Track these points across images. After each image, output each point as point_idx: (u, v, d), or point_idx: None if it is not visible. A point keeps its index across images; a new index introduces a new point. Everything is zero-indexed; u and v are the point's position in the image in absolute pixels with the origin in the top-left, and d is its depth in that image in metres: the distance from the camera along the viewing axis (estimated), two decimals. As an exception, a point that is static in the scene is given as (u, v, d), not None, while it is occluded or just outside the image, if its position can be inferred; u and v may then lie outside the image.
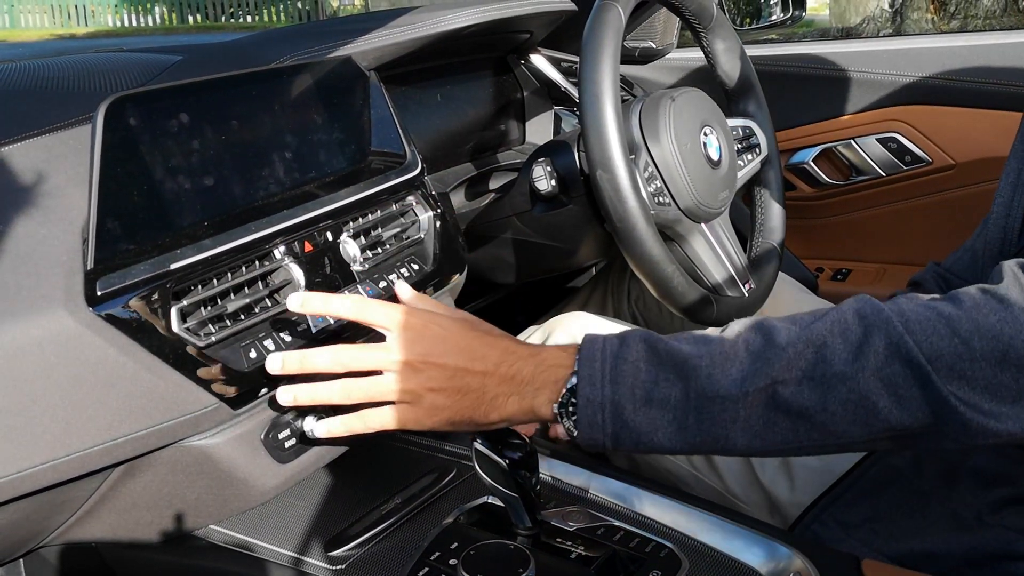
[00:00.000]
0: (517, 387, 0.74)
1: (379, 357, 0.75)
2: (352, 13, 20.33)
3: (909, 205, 1.46)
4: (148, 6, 17.28)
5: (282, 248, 0.83)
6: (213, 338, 0.75)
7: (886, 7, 7.35)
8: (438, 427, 0.75)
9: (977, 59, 1.39)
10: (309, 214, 0.85)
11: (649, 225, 0.98)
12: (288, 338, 0.81)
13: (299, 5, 18.55)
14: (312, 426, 0.83)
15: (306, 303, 0.77)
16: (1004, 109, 1.36)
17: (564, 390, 0.72)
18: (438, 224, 1.03)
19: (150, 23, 17.13)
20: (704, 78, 1.48)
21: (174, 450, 0.75)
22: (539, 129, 1.53)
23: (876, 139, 1.48)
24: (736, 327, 0.72)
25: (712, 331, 0.74)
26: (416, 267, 0.98)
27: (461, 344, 0.75)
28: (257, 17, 18.01)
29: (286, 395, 0.77)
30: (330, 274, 0.88)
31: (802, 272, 1.53)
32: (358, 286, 0.90)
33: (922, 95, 1.43)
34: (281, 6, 18.39)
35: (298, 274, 0.83)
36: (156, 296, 0.70)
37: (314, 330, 0.83)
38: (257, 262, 0.81)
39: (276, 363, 0.76)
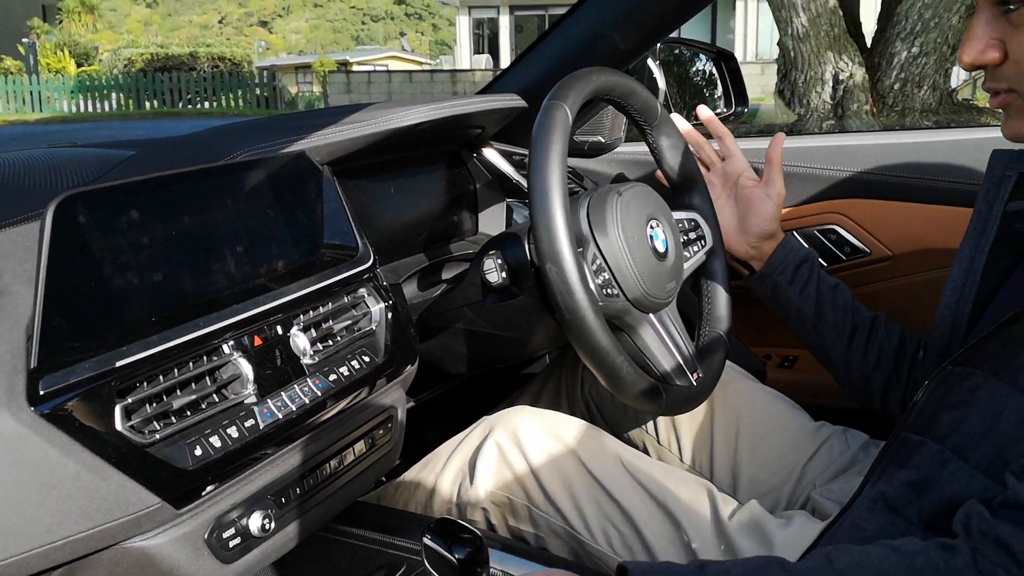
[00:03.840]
0: None
1: None
2: (311, 99, 20.58)
3: (851, 294, 1.50)
4: (104, 92, 17.35)
5: (231, 343, 0.83)
6: (158, 435, 0.74)
7: (827, 99, 7.64)
8: None
9: (910, 155, 1.45)
10: (259, 308, 0.85)
11: (598, 317, 0.99)
12: (235, 434, 0.80)
13: (258, 92, 18.75)
14: (260, 522, 0.82)
15: None
16: (936, 203, 1.42)
17: None
18: (390, 315, 1.03)
19: (106, 109, 17.18)
20: (651, 171, 1.52)
21: (115, 552, 0.74)
22: (491, 220, 1.55)
23: (817, 231, 1.53)
24: None
25: None
26: (367, 359, 0.99)
27: None
28: (215, 103, 18.16)
29: None
30: (280, 367, 0.88)
31: (750, 360, 1.55)
32: (307, 379, 0.89)
33: (859, 189, 1.49)
34: (239, 92, 18.57)
35: (247, 369, 0.83)
36: (100, 394, 0.70)
37: (262, 425, 0.82)
38: (205, 357, 0.81)
39: None
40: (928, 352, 1.08)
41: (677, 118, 1.33)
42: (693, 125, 1.40)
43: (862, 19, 8.33)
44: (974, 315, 0.99)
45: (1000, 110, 0.89)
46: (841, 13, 7.60)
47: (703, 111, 1.36)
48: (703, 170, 1.33)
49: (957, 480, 0.85)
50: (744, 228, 1.29)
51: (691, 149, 1.31)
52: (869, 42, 7.96)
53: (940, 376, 0.92)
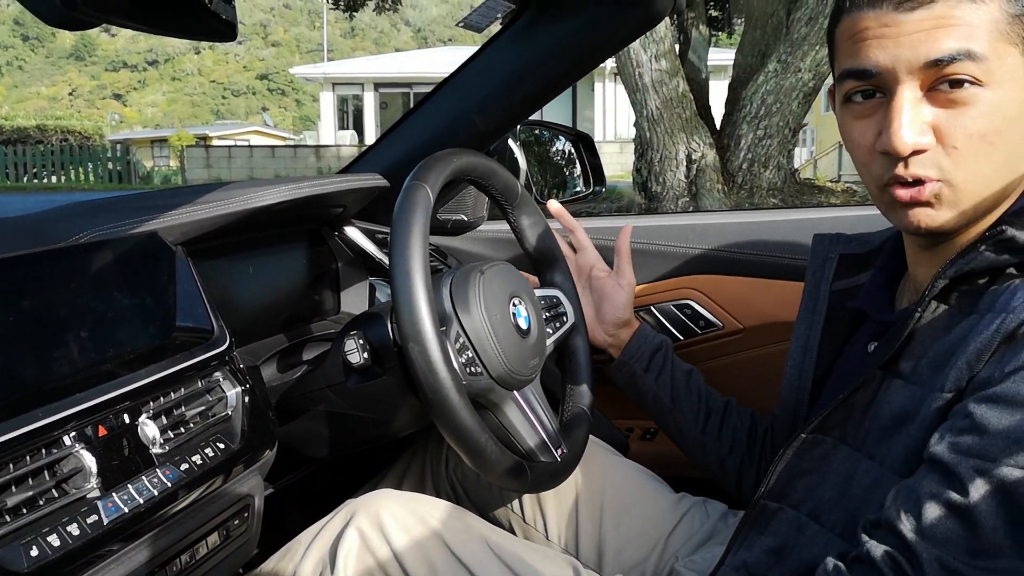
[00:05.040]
0: None
1: None
2: (168, 173, 20.02)
3: (708, 366, 1.56)
4: (-58, 164, 16.43)
5: (72, 434, 0.78)
6: (-12, 537, 0.68)
7: (682, 178, 8.02)
8: None
9: (755, 234, 1.53)
10: (104, 396, 0.81)
11: (461, 396, 0.99)
12: (76, 531, 0.75)
13: (110, 166, 18.09)
14: None
15: None
16: (780, 279, 1.50)
17: None
18: (247, 399, 1.00)
19: (-56, 182, 16.24)
20: (515, 249, 1.55)
21: (-66, 670, 0.67)
22: (354, 299, 1.54)
23: (673, 305, 1.59)
24: None
25: None
26: (222, 446, 0.95)
27: None
28: (64, 178, 17.42)
29: None
30: (127, 458, 0.83)
31: (613, 433, 1.57)
32: (157, 470, 0.85)
33: (710, 265, 1.56)
34: (91, 166, 17.88)
35: (89, 461, 0.78)
36: (-78, 495, 0.64)
37: (106, 521, 0.77)
38: (44, 450, 0.76)
39: None
40: (776, 426, 1.12)
41: (552, 203, 1.40)
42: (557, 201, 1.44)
43: (711, 103, 8.82)
44: (814, 390, 1.04)
45: (919, 202, 0.80)
46: (692, 97, 8.03)
47: (553, 204, 1.42)
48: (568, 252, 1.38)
49: (815, 544, 0.88)
50: (600, 317, 1.35)
51: (553, 230, 1.34)
52: (719, 125, 8.43)
53: (794, 444, 0.96)
